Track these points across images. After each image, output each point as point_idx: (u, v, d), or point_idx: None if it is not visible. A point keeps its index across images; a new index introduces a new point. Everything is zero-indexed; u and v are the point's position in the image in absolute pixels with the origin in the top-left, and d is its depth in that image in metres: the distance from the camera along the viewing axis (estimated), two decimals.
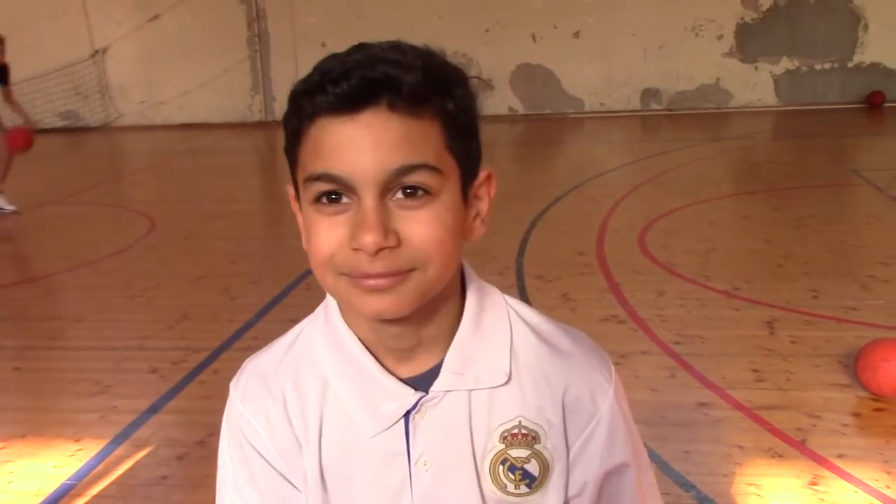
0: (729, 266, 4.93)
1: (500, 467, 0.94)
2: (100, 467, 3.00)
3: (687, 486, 2.65)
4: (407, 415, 0.93)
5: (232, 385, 1.02)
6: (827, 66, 11.75)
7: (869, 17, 11.48)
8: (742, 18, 11.80)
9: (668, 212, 6.20)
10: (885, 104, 11.33)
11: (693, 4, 11.68)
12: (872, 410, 3.13)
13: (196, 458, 3.02)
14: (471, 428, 0.94)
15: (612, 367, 1.00)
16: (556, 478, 0.95)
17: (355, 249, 0.83)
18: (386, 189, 0.82)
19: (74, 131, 13.47)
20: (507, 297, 1.00)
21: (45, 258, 5.93)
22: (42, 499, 2.82)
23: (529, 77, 12.36)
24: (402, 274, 0.84)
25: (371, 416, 0.94)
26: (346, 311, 0.96)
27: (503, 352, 0.95)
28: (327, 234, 0.85)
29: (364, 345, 0.95)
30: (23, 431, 3.33)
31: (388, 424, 0.93)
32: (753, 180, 7.61)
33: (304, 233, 0.91)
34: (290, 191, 0.93)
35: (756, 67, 11.93)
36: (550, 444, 0.95)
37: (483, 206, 0.93)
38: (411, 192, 0.83)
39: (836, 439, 2.90)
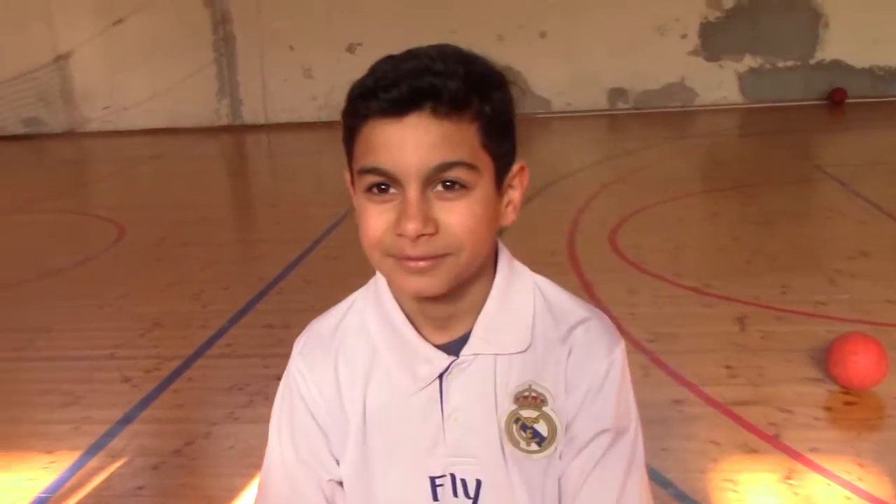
0: (699, 263, 4.98)
1: (514, 426, 1.06)
2: (74, 479, 2.97)
3: (664, 483, 2.68)
4: (441, 376, 1.07)
5: (296, 342, 1.17)
6: (790, 63, 11.90)
7: (829, 15, 11.64)
8: (706, 17, 11.92)
9: (638, 210, 6.24)
10: (846, 101, 11.50)
11: (658, 4, 11.77)
12: (843, 404, 3.17)
13: (172, 468, 3.00)
14: (495, 389, 1.06)
15: (618, 348, 1.09)
16: (563, 440, 1.06)
17: (399, 235, 0.95)
18: (427, 182, 0.94)
19: (38, 138, 13.27)
20: (535, 277, 1.13)
21: (12, 268, 5.83)
22: None
23: None
24: (438, 258, 0.96)
25: (410, 377, 1.07)
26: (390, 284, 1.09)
27: (525, 324, 1.07)
28: (376, 220, 0.97)
29: (406, 314, 1.08)
30: None
31: (425, 384, 1.07)
32: (720, 178, 7.69)
33: (357, 214, 1.04)
34: (347, 176, 1.06)
35: (720, 66, 12.05)
36: (557, 406, 1.06)
37: (515, 194, 1.05)
38: (450, 185, 0.95)
39: (809, 433, 2.95)
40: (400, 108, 0.93)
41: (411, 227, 0.93)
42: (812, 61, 11.84)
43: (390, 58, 0.98)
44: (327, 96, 12.60)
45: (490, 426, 1.06)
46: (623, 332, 3.87)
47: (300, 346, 1.16)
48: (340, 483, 1.15)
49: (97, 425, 3.37)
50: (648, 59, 12.02)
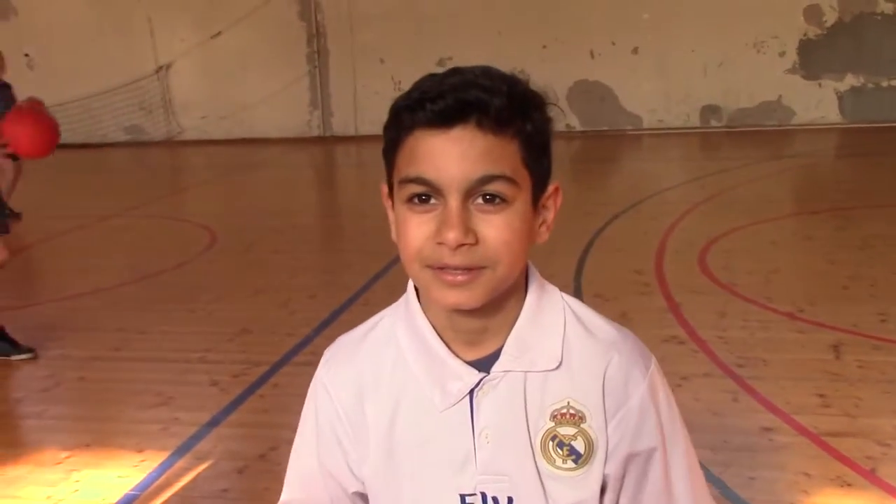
0: (792, 287, 4.83)
1: (550, 443, 1.05)
2: (162, 479, 3.05)
3: None
4: (472, 393, 1.06)
5: (324, 353, 1.17)
6: (894, 83, 11.49)
7: None
8: (805, 34, 11.61)
9: (729, 231, 6.10)
10: None
11: (754, 20, 11.52)
12: None
13: (256, 472, 3.05)
14: (526, 406, 1.05)
15: (652, 363, 1.09)
16: (599, 456, 1.05)
17: (439, 244, 0.96)
18: (469, 194, 0.96)
19: (138, 145, 13.78)
20: (564, 295, 1.12)
21: (110, 270, 6.05)
22: None
23: (587, 93, 12.31)
24: (476, 270, 0.97)
25: (441, 393, 1.06)
26: (426, 300, 1.09)
27: (556, 341, 1.07)
28: (417, 230, 0.98)
29: (437, 330, 1.08)
30: (87, 441, 3.40)
31: (455, 401, 1.06)
32: (817, 199, 7.46)
33: (395, 226, 1.04)
34: (384, 188, 1.07)
35: (819, 84, 11.71)
36: (595, 424, 1.05)
37: (549, 214, 1.06)
38: (490, 198, 0.96)
39: None
40: (446, 119, 0.95)
41: (452, 235, 0.94)
42: None
43: (433, 75, 1.00)
44: None
45: (522, 443, 1.05)
46: (711, 356, 3.81)
47: (326, 357, 1.17)
48: (360, 495, 1.16)
49: (186, 427, 3.46)
50: (744, 76, 11.77)
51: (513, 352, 1.06)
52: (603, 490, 1.07)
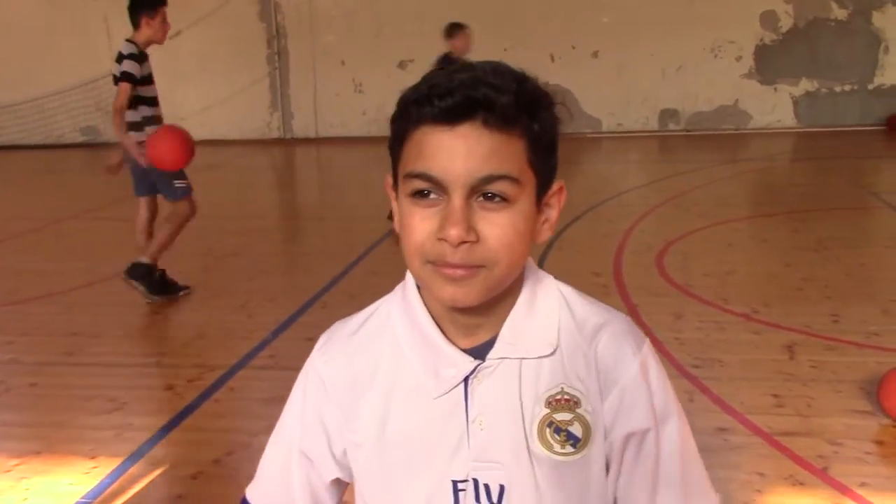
0: (748, 289, 4.89)
1: (547, 429, 1.05)
2: (115, 485, 2.99)
3: None
4: (466, 380, 1.06)
5: (321, 337, 1.18)
6: (847, 88, 11.71)
7: (889, 40, 11.44)
8: (762, 40, 11.78)
9: (686, 233, 6.16)
10: None
11: (712, 25, 11.67)
12: (895, 438, 3.08)
13: (211, 477, 3.00)
14: (521, 393, 1.06)
15: (645, 344, 1.10)
16: (598, 439, 1.06)
17: (440, 240, 0.97)
18: (472, 192, 0.96)
19: (95, 146, 13.55)
20: (559, 284, 1.13)
21: (64, 274, 5.95)
22: None
23: None
24: (474, 268, 0.98)
25: (435, 380, 1.07)
26: (424, 291, 1.10)
27: (551, 328, 1.08)
28: (420, 225, 0.99)
29: (434, 318, 1.09)
30: (38, 448, 3.33)
31: (450, 388, 1.07)
32: (772, 202, 7.57)
33: (398, 218, 1.04)
34: (389, 180, 1.08)
35: (775, 89, 11.90)
36: (591, 407, 1.06)
37: (553, 213, 1.07)
38: (492, 196, 0.97)
39: (859, 467, 2.86)
40: (453, 116, 0.95)
41: (454, 232, 0.95)
42: (871, 86, 11.64)
43: (443, 69, 1.01)
44: (377, 111, 12.71)
45: (516, 430, 1.06)
46: (668, 357, 3.83)
47: (321, 343, 1.17)
48: (337, 482, 1.18)
49: (139, 432, 3.40)
50: (701, 80, 11.92)
51: (509, 339, 1.06)
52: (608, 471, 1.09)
